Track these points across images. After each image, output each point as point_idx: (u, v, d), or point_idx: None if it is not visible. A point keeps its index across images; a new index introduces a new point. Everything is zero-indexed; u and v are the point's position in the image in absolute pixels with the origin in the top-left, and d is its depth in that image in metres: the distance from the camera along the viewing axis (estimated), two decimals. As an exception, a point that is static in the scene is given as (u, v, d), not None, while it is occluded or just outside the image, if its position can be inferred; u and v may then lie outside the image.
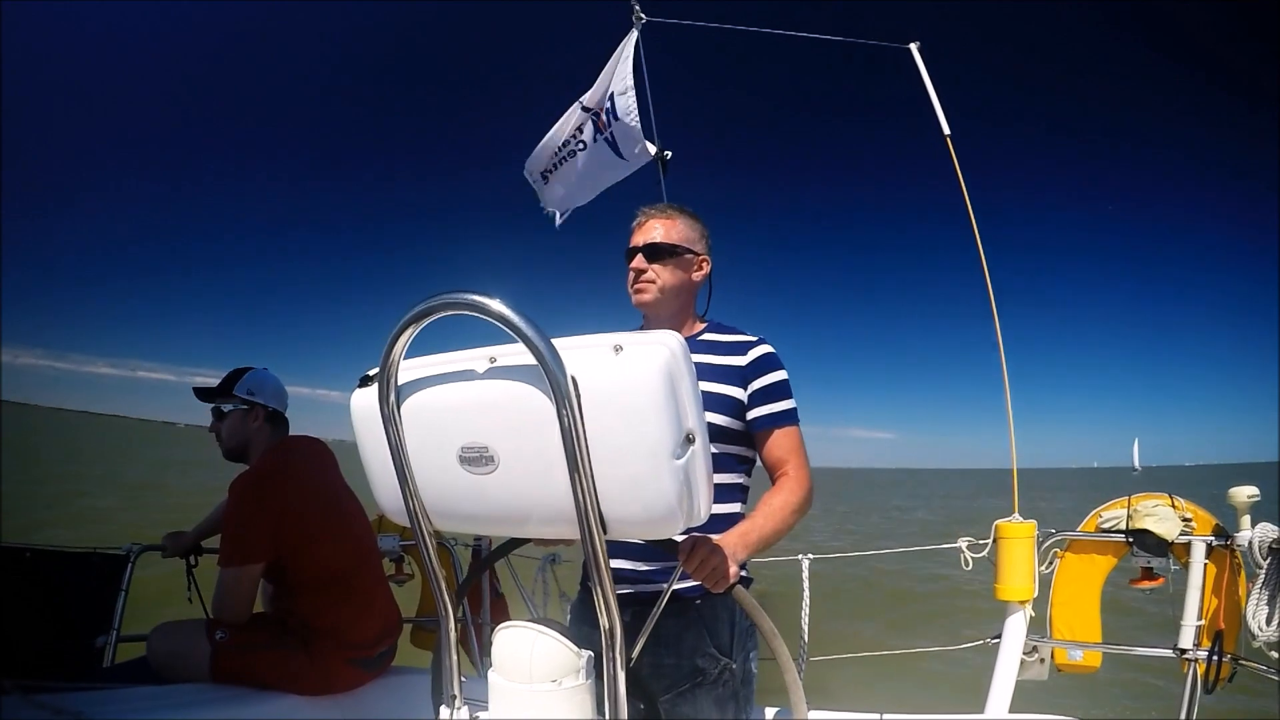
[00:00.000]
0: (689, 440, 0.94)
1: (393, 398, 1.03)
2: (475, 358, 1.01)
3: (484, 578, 3.42)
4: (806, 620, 2.82)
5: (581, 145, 4.29)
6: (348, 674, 2.30)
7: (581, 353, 0.93)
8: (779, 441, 1.67)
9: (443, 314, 0.94)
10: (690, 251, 1.76)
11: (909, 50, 3.37)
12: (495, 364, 0.99)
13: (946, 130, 3.15)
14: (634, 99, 3.96)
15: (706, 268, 1.81)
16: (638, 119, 3.95)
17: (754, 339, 1.73)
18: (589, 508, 0.93)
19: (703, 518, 0.98)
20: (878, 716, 2.34)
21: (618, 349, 0.93)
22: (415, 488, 1.08)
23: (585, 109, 4.26)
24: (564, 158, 4.41)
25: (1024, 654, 2.67)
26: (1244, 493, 2.32)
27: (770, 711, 2.34)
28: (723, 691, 1.59)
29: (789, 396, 1.69)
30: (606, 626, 0.98)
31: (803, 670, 2.74)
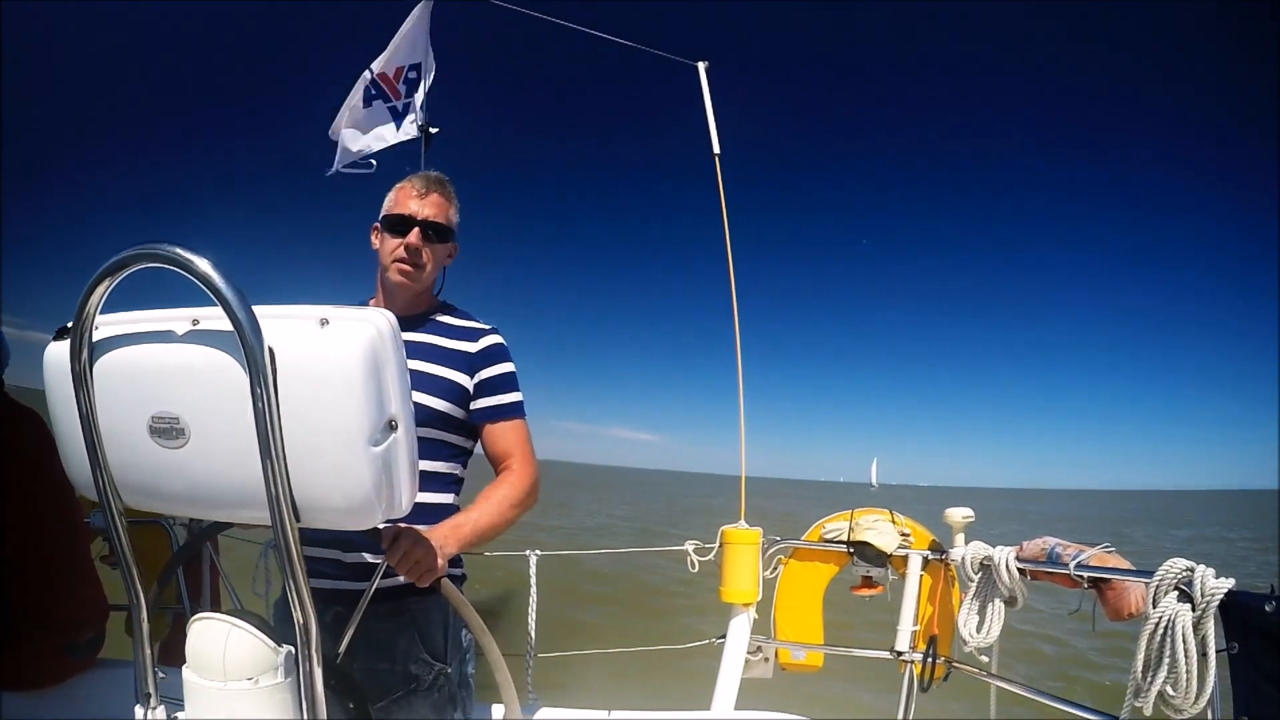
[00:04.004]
0: (391, 427, 0.91)
1: (85, 355, 0.93)
2: (177, 318, 0.93)
3: (205, 563, 2.99)
4: (534, 617, 2.72)
5: (360, 102, 4.22)
6: (56, 662, 2.16)
7: (284, 323, 0.87)
8: (505, 434, 1.63)
9: (142, 265, 0.85)
10: (455, 236, 1.73)
11: (696, 68, 3.47)
12: (197, 327, 0.91)
13: (717, 149, 3.30)
14: (428, 77, 3.95)
15: (457, 252, 1.76)
16: (423, 94, 3.94)
17: (487, 327, 1.68)
18: (280, 492, 0.87)
19: (404, 509, 0.96)
20: (606, 714, 2.26)
21: (323, 322, 0.88)
22: (104, 459, 0.97)
23: (371, 72, 4.18)
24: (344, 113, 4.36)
25: (749, 654, 2.76)
26: (959, 513, 2.51)
27: (497, 711, 2.16)
28: (439, 698, 1.54)
29: (516, 389, 1.66)
30: (301, 622, 0.92)
31: (531, 667, 2.64)
